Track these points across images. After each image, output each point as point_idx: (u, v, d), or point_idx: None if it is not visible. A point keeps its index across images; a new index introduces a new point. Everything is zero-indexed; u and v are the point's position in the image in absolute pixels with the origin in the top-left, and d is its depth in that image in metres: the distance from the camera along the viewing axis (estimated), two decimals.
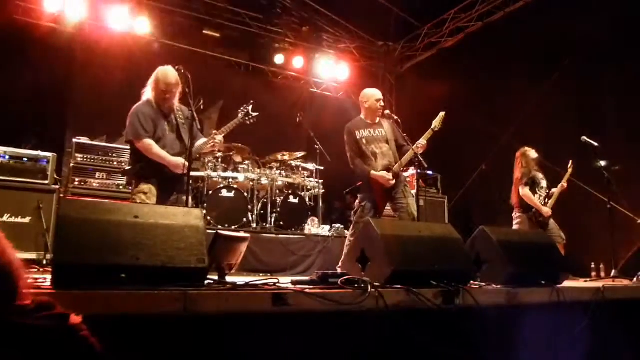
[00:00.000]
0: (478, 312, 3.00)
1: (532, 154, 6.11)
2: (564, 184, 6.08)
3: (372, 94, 5.10)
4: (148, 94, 4.20)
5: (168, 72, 4.12)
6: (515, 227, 6.03)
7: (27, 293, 1.56)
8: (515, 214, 6.10)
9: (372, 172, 4.83)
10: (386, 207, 5.17)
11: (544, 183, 6.05)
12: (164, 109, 4.17)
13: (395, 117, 4.96)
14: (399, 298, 2.78)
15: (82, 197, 5.78)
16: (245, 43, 9.27)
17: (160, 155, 4.04)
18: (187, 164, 3.90)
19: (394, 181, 4.81)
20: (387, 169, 4.85)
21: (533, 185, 6.00)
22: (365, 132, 4.99)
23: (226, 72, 9.30)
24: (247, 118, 4.43)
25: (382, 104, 5.06)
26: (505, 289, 3.34)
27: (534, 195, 5.96)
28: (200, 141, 4.28)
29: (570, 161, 6.10)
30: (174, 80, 4.09)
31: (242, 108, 4.44)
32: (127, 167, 4.40)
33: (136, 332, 2.13)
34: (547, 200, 6.03)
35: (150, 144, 4.03)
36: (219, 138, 4.22)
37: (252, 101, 4.49)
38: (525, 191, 5.94)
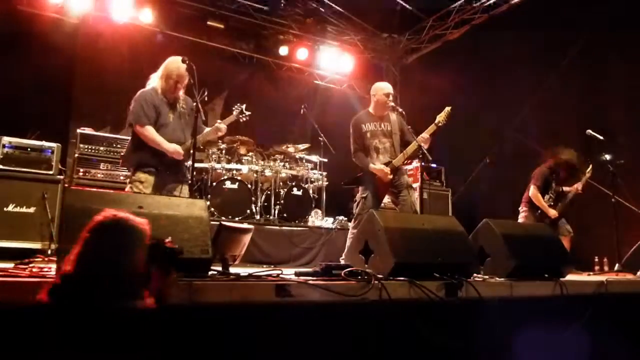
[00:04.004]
0: (481, 305, 3.01)
1: (571, 161, 5.87)
2: (578, 187, 5.98)
3: (381, 88, 5.08)
4: (155, 82, 4.26)
5: (181, 64, 4.19)
6: (520, 220, 6.02)
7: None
8: (522, 209, 6.07)
9: (371, 165, 4.84)
10: (388, 201, 5.17)
11: (554, 183, 5.97)
12: (169, 98, 4.24)
13: (400, 110, 4.94)
14: (402, 290, 2.79)
15: (87, 187, 5.80)
16: (249, 34, 9.24)
17: (156, 141, 4.09)
18: (181, 150, 4.11)
19: (391, 175, 4.79)
20: (388, 164, 4.85)
21: (546, 187, 5.92)
22: (370, 125, 4.99)
23: (230, 64, 9.27)
24: (240, 116, 4.61)
25: (391, 98, 5.01)
26: (509, 281, 3.35)
27: (544, 196, 5.89)
28: (205, 130, 4.36)
29: (591, 165, 5.99)
30: (185, 72, 4.19)
31: (236, 106, 4.64)
32: (125, 153, 4.45)
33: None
34: (558, 196, 5.93)
35: (148, 130, 4.09)
36: (223, 126, 4.35)
37: (244, 104, 4.68)
38: (534, 192, 5.88)
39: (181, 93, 4.32)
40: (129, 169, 4.29)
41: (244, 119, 4.66)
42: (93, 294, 1.63)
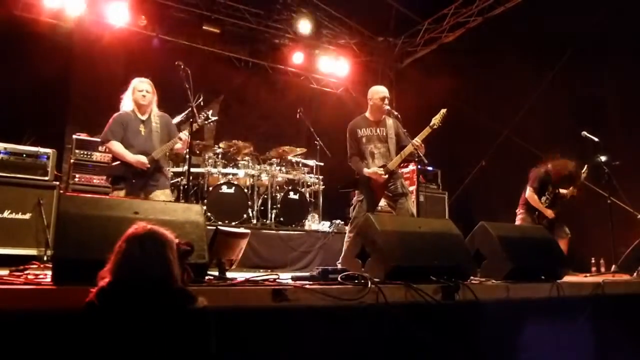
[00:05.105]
0: (478, 308, 3.01)
1: (570, 171, 5.86)
2: (574, 189, 5.98)
3: (377, 91, 5.05)
4: (125, 103, 4.68)
5: (142, 80, 4.65)
6: (517, 223, 6.01)
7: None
8: (519, 211, 6.07)
9: (365, 169, 4.84)
10: (384, 204, 5.16)
11: (550, 185, 5.97)
12: (140, 113, 4.63)
13: (396, 113, 4.94)
14: (399, 294, 2.79)
15: (82, 193, 5.78)
16: (245, 39, 9.25)
17: (119, 153, 4.49)
18: (146, 160, 4.47)
19: (386, 176, 4.79)
20: (383, 167, 4.84)
21: (542, 188, 5.92)
22: (366, 130, 4.98)
23: (226, 68, 9.26)
24: (206, 122, 4.92)
25: (387, 102, 4.99)
26: (505, 284, 3.35)
27: (541, 198, 5.89)
28: (177, 144, 4.68)
29: (586, 166, 6.00)
30: (147, 86, 4.62)
31: (203, 112, 4.91)
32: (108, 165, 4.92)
33: None
34: (555, 198, 5.94)
35: (112, 144, 4.51)
36: (184, 136, 4.62)
37: (210, 110, 5.00)
38: (531, 194, 5.88)
39: (157, 111, 4.71)
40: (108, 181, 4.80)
41: (211, 124, 5.00)
42: (140, 297, 1.76)
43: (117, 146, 4.50)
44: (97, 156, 6.19)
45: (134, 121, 4.59)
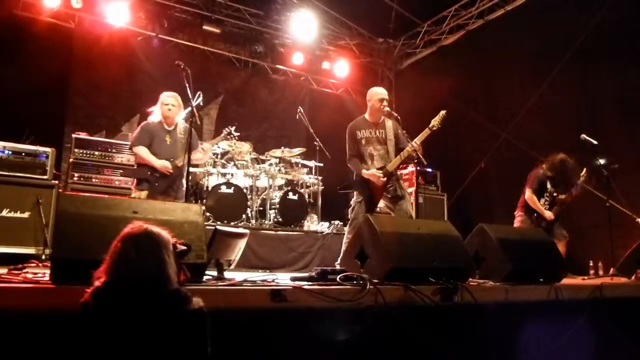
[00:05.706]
0: (476, 309, 3.01)
1: (564, 162, 5.84)
2: (573, 192, 5.97)
3: (376, 93, 5.03)
4: (154, 114, 5.11)
5: (169, 94, 5.07)
6: (516, 225, 6.01)
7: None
8: (518, 213, 6.06)
9: (364, 170, 4.83)
10: (383, 205, 5.15)
11: (549, 186, 5.96)
12: (166, 124, 5.08)
13: (395, 115, 4.93)
14: (398, 295, 2.79)
15: (82, 192, 5.77)
16: (245, 39, 9.26)
17: (145, 158, 4.92)
18: (170, 166, 4.89)
19: (384, 179, 4.78)
20: (382, 169, 4.84)
21: (541, 190, 5.92)
22: (365, 132, 4.97)
23: (226, 68, 9.28)
24: (229, 136, 5.67)
25: (386, 103, 4.98)
26: (504, 286, 3.36)
27: (540, 199, 5.89)
28: (197, 154, 5.21)
29: (585, 169, 6.00)
30: (173, 100, 5.05)
31: (226, 128, 5.71)
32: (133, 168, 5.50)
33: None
34: (554, 200, 5.94)
35: (139, 149, 4.95)
36: (208, 146, 5.32)
37: (235, 125, 5.78)
38: (530, 195, 5.88)
39: (181, 121, 5.16)
40: (132, 182, 5.34)
41: (234, 139, 5.74)
42: (134, 298, 1.76)
43: (143, 151, 4.92)
44: (96, 155, 6.19)
45: (160, 131, 5.05)
